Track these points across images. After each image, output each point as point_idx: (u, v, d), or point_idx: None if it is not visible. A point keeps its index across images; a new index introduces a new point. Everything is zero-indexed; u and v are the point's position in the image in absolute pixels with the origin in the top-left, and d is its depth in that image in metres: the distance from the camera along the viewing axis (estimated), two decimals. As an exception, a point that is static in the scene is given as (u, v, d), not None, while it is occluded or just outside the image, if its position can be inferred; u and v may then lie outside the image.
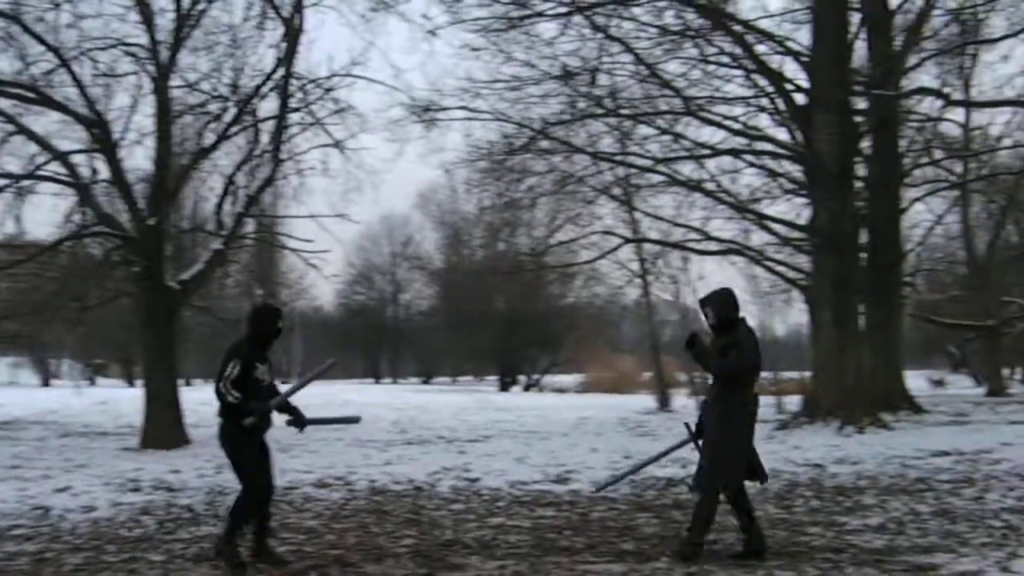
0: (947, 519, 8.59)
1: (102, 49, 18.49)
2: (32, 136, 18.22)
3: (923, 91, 22.90)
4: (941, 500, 9.69)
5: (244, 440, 7.09)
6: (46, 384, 59.99)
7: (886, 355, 22.03)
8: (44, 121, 18.64)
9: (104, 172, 18.61)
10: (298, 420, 7.28)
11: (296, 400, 7.37)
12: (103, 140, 18.15)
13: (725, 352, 7.18)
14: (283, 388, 7.54)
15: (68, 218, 19.09)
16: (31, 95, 18.12)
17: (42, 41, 17.93)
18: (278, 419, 7.27)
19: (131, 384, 54.07)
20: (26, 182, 18.56)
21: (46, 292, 21.30)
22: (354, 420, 8.55)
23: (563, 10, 20.64)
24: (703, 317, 7.60)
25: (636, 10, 21.19)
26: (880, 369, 21.37)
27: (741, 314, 7.42)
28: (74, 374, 62.45)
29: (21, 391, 43.78)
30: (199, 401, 27.89)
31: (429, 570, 7.04)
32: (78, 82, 18.01)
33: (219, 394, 7.01)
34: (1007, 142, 30.09)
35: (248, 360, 7.07)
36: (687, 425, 7.72)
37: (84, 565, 7.41)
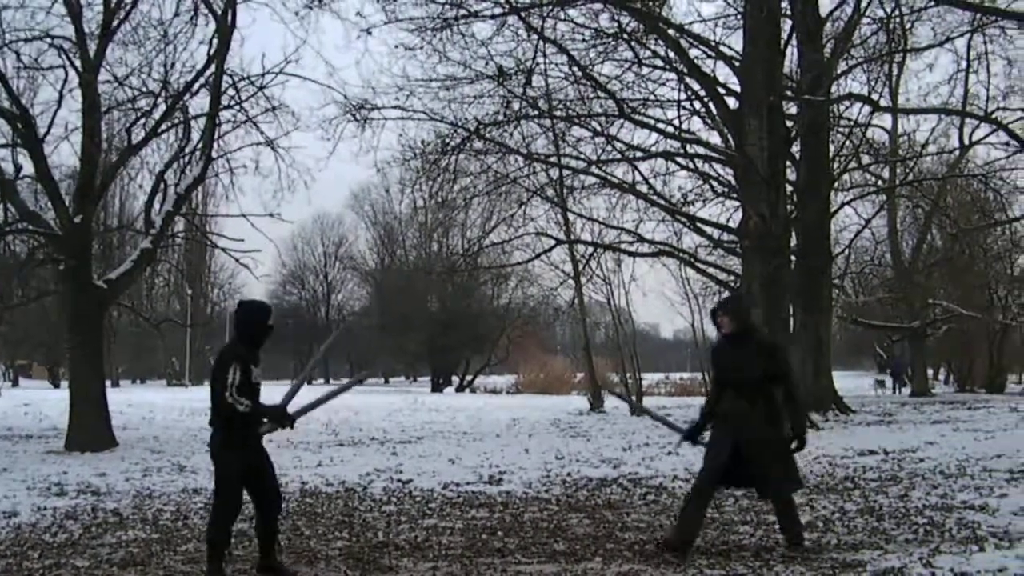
0: (873, 517, 8.72)
1: (27, 41, 18.10)
2: (-47, 131, 17.81)
3: (852, 97, 23.34)
4: (868, 498, 9.85)
5: (236, 454, 6.67)
6: (-33, 385, 58.59)
7: (815, 356, 22.38)
8: (-36, 115, 18.19)
9: (28, 168, 18.24)
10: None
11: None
12: (27, 135, 17.75)
13: (774, 377, 7.33)
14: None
15: (-9, 215, 18.70)
16: (-49, 88, 17.69)
17: (-37, 33, 17.51)
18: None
19: (56, 385, 53.01)
20: (-54, 178, 18.12)
21: (-33, 291, 20.83)
22: (360, 380, 8.09)
23: (499, 11, 20.65)
24: (716, 325, 7.60)
25: (571, 12, 21.30)
26: (809, 370, 21.71)
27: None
28: (-4, 375, 61.12)
29: (-59, 392, 42.63)
30: (126, 403, 27.46)
31: (361, 573, 6.98)
32: (1, 75, 17.60)
33: (223, 404, 6.53)
34: (932, 148, 30.82)
35: (246, 363, 6.62)
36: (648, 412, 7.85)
37: (5, 572, 7.23)
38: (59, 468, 13.84)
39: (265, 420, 6.72)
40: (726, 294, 24.94)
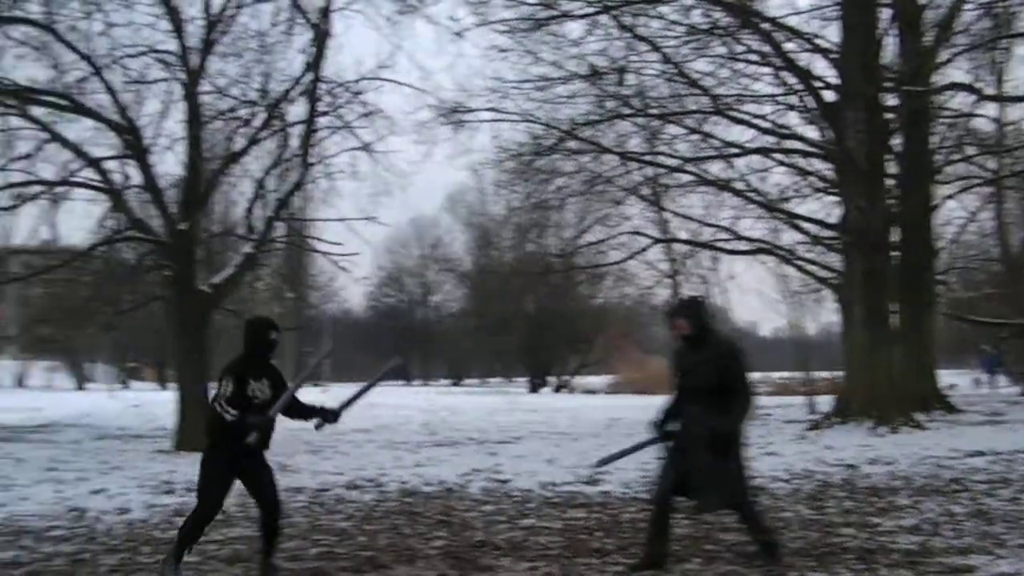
0: (983, 520, 8.50)
1: (133, 56, 18.66)
2: (65, 143, 18.42)
3: (955, 86, 22.70)
4: (977, 501, 9.60)
5: (223, 463, 6.84)
6: (81, 388, 60.51)
7: (919, 354, 21.86)
8: (77, 128, 18.86)
9: (136, 178, 18.79)
10: (325, 416, 7.16)
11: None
12: (135, 146, 18.31)
13: (719, 371, 6.89)
14: (345, 394, 7.40)
15: (101, 224, 19.32)
16: (64, 103, 18.32)
17: (75, 50, 18.13)
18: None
19: (164, 387, 54.44)
20: (60, 188, 18.78)
21: (80, 297, 21.49)
22: (397, 366, 8.17)
23: (590, 10, 20.62)
24: (671, 329, 7.28)
25: (663, 9, 21.14)
26: (913, 368, 21.22)
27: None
28: (108, 378, 63.04)
29: (56, 395, 44.18)
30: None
31: (460, 571, 7.05)
32: (110, 89, 18.19)
33: (213, 414, 6.76)
34: (1041, 137, 29.78)
35: (242, 376, 6.81)
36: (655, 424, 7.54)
37: (119, 566, 7.47)
38: (168, 467, 14.24)
39: (252, 433, 6.75)
40: (823, 291, 24.49)
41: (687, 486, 7.01)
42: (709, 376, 6.92)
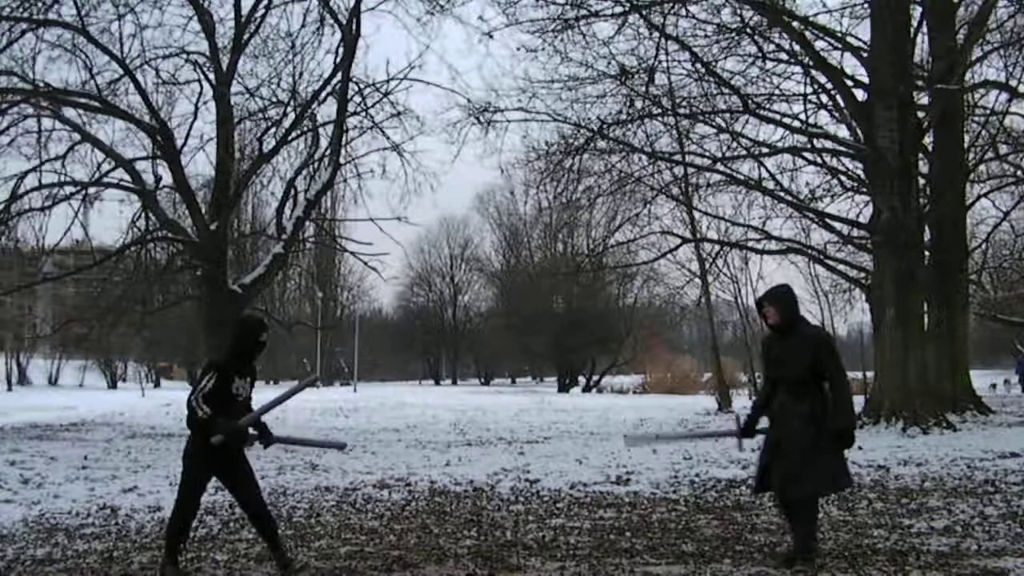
0: (1016, 522, 8.41)
1: (164, 58, 18.88)
2: (98, 144, 18.61)
3: (987, 84, 22.50)
4: (1010, 503, 9.49)
5: (201, 459, 6.85)
6: (113, 386, 61.12)
7: (951, 354, 21.68)
8: (109, 129, 19.15)
9: (167, 178, 18.97)
10: (265, 437, 7.14)
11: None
12: (166, 147, 18.47)
13: (810, 359, 6.94)
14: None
15: (133, 224, 19.54)
16: (96, 104, 18.51)
17: (107, 51, 18.32)
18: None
19: (195, 386, 54.84)
20: (92, 189, 18.98)
21: (112, 296, 21.72)
22: (339, 446, 8.31)
23: (619, 9, 20.58)
24: (762, 317, 7.36)
25: (693, 8, 21.09)
26: (945, 369, 21.04)
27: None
28: (140, 376, 63.60)
29: (89, 393, 44.61)
30: (258, 403, 28.30)
31: (489, 571, 7.05)
32: (141, 91, 18.38)
33: (190, 407, 6.76)
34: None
35: (226, 373, 6.82)
36: (738, 419, 7.67)
37: (151, 564, 7.52)
38: (199, 467, 14.32)
39: (218, 435, 6.75)
40: (854, 291, 24.33)
41: (779, 475, 7.06)
42: (799, 365, 6.98)
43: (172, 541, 6.99)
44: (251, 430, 7.09)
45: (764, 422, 7.38)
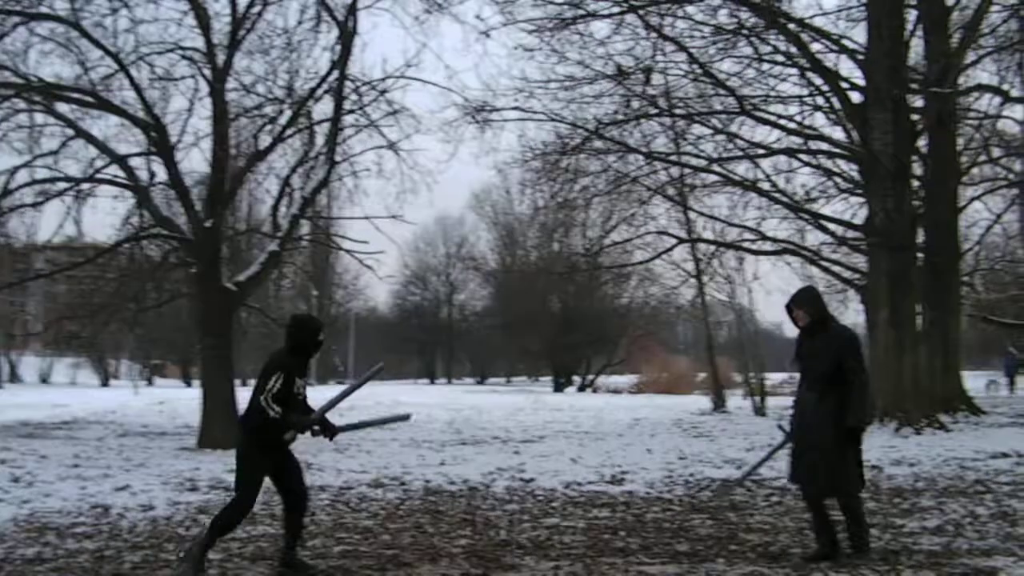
0: (1007, 522, 8.45)
1: (159, 53, 18.75)
2: (91, 140, 18.54)
3: (981, 88, 22.55)
4: (1000, 503, 9.54)
5: (261, 456, 6.94)
6: (105, 384, 60.96)
7: (943, 355, 21.71)
8: (103, 125, 19.00)
9: (161, 175, 18.87)
10: (328, 430, 7.14)
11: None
12: (160, 143, 18.39)
13: (835, 358, 7.09)
14: (331, 393, 7.49)
15: (126, 220, 19.45)
16: (90, 100, 18.43)
17: (101, 46, 18.22)
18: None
19: (188, 384, 54.77)
20: (85, 185, 18.88)
21: (105, 293, 21.64)
22: (403, 418, 8.36)
23: (616, 9, 20.60)
24: (792, 320, 7.43)
25: (690, 9, 21.14)
26: (937, 370, 21.08)
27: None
28: (132, 374, 63.47)
29: (81, 391, 44.54)
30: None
31: (484, 570, 7.06)
32: (136, 86, 18.27)
33: (257, 407, 6.79)
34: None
35: (291, 374, 6.87)
36: (780, 427, 7.72)
37: (143, 563, 7.51)
38: (192, 464, 14.31)
39: (291, 431, 6.87)
40: (848, 292, 24.39)
41: (800, 471, 7.21)
42: (825, 363, 7.11)
43: (215, 534, 7.01)
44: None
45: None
